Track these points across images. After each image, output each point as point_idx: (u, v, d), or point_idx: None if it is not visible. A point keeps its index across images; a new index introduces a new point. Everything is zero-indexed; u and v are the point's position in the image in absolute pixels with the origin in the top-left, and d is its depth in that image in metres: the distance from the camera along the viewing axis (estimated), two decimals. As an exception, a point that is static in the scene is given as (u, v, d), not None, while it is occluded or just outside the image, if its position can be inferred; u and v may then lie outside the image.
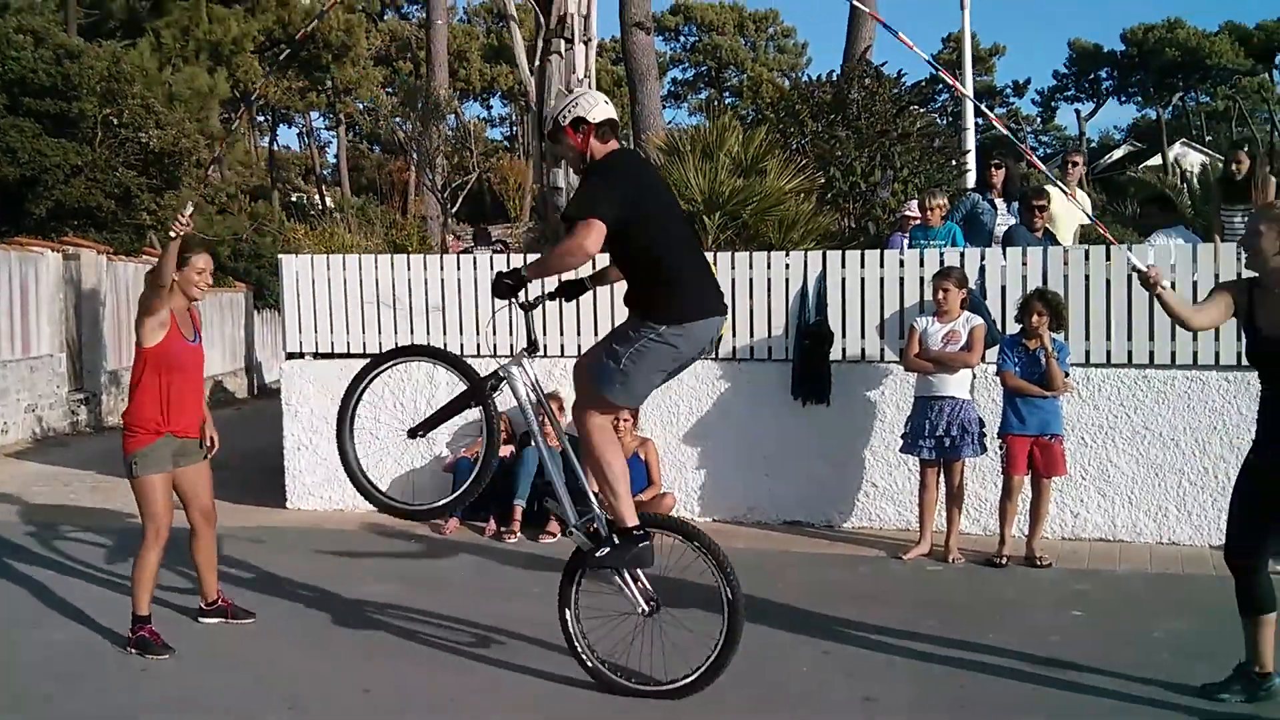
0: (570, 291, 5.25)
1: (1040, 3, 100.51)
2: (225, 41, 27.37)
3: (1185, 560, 7.03)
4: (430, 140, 15.84)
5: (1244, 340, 4.63)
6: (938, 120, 18.96)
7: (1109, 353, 7.54)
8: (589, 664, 4.93)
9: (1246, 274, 4.88)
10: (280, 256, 9.48)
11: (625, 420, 8.01)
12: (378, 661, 5.36)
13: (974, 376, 7.20)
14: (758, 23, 55.57)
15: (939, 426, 6.93)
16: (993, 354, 7.25)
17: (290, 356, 9.18)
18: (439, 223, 18.63)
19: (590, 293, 5.80)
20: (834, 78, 10.64)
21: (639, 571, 4.88)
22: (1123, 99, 59.66)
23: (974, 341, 6.95)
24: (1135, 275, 4.64)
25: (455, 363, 5.32)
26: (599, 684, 4.89)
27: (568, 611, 4.96)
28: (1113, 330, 7.53)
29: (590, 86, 10.47)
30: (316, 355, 9.11)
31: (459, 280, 8.86)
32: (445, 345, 8.74)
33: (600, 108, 4.73)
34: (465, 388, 5.04)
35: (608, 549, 4.77)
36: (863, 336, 7.98)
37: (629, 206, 4.51)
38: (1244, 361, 6.87)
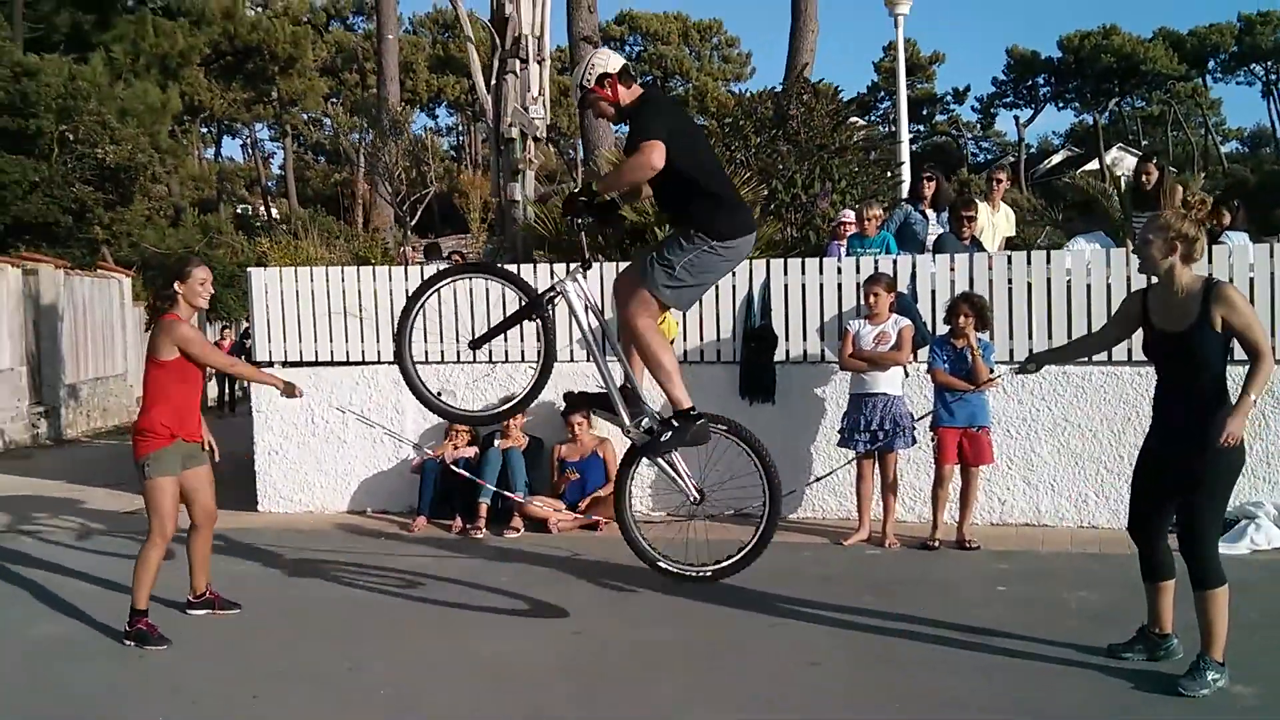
0: (608, 211, 5.67)
1: (979, 11, 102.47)
2: (173, 54, 27.46)
3: (1103, 542, 7.60)
4: (390, 154, 16.22)
5: (1143, 337, 5.17)
6: (880, 128, 19.62)
7: (1031, 350, 8.08)
8: (646, 552, 5.59)
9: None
10: (249, 270, 9.84)
11: (581, 424, 8.49)
12: (361, 643, 5.78)
13: (906, 375, 7.78)
14: (702, 33, 56.23)
15: (873, 421, 7.49)
16: (924, 353, 7.82)
17: (261, 365, 9.53)
18: (393, 234, 18.94)
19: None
20: (775, 93, 11.19)
21: (684, 464, 5.59)
22: (1060, 105, 60.88)
23: (902, 341, 7.51)
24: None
25: (512, 279, 5.81)
26: (655, 570, 5.55)
27: (626, 501, 5.61)
28: (1034, 330, 8.12)
29: (544, 103, 10.94)
30: (286, 364, 9.48)
31: (422, 291, 9.26)
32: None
33: (614, 58, 5.34)
34: (524, 302, 5.54)
35: (669, 432, 5.35)
36: (804, 338, 8.51)
37: (677, 133, 5.10)
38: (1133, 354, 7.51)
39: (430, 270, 9.66)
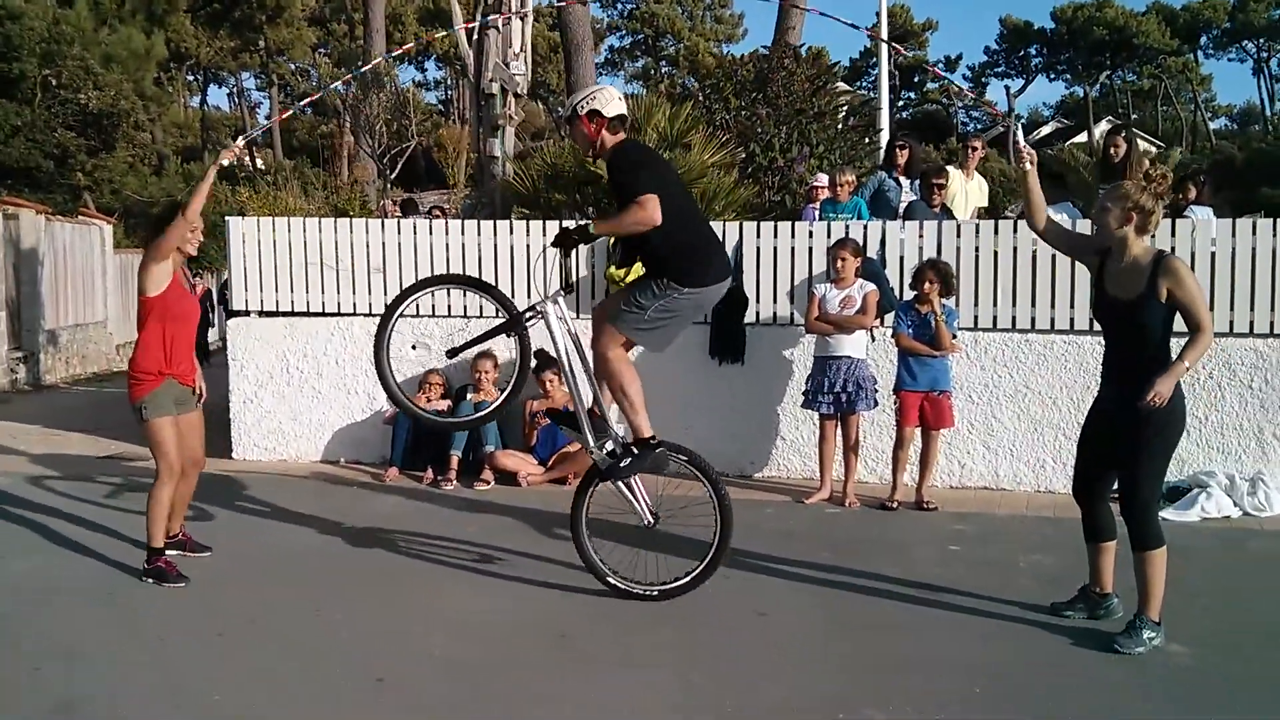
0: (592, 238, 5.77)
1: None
2: (159, 1, 27.25)
3: (1058, 506, 7.73)
4: (370, 107, 16.25)
5: (1093, 296, 5.28)
6: (869, 94, 19.67)
7: (995, 318, 8.27)
8: (596, 566, 5.65)
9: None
10: (228, 219, 9.89)
11: (553, 380, 8.60)
12: (328, 588, 5.92)
13: (873, 339, 7.93)
14: (695, -8, 55.88)
15: (836, 383, 7.64)
16: (891, 318, 7.95)
17: (236, 314, 9.61)
18: (375, 188, 18.94)
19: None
20: (756, 57, 11.25)
21: (643, 489, 5.68)
22: (1052, 76, 61.01)
23: (867, 305, 7.65)
24: (1016, 148, 5.34)
25: (493, 292, 5.90)
26: (603, 585, 5.60)
27: (581, 523, 5.65)
28: (999, 298, 8.26)
29: (526, 60, 10.97)
30: (261, 313, 9.55)
31: (399, 244, 9.36)
32: (385, 305, 9.25)
33: (614, 104, 5.41)
34: (505, 318, 5.65)
35: (629, 459, 5.49)
36: (775, 301, 8.63)
37: (659, 184, 5.18)
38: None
39: (407, 223, 9.75)
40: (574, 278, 5.73)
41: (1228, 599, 5.73)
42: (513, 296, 8.89)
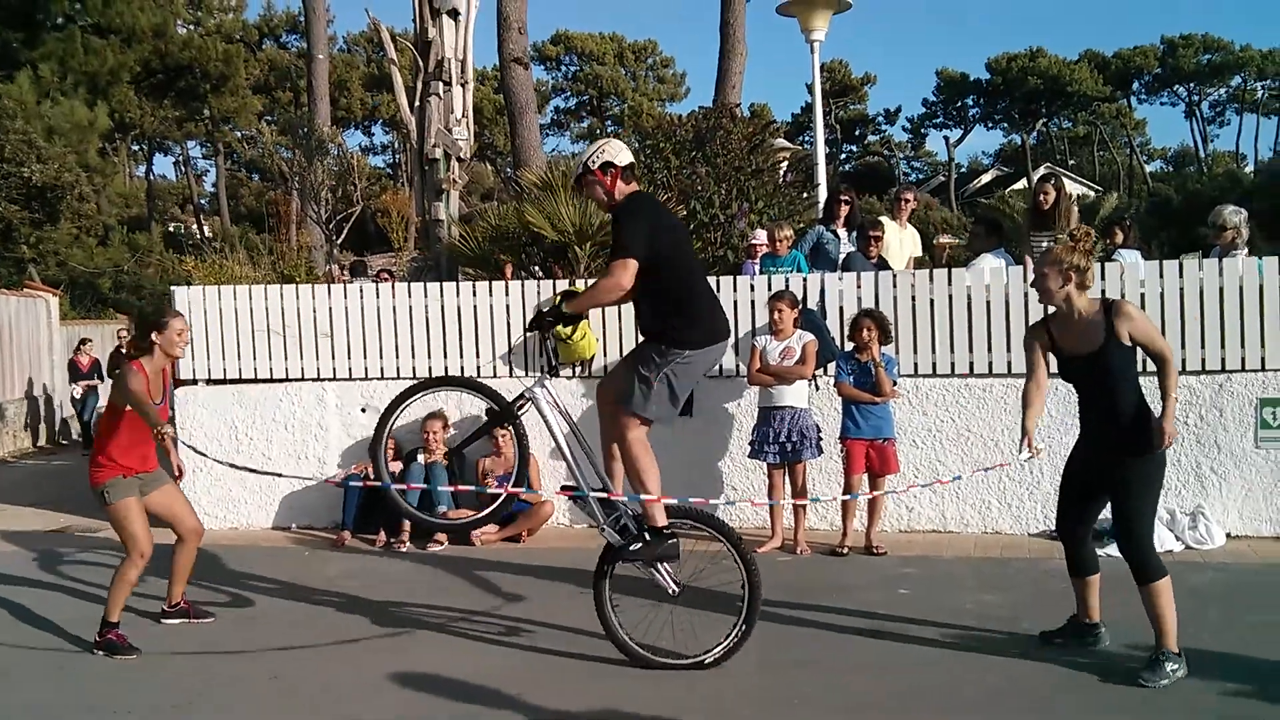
0: (572, 320, 5.89)
1: (909, 33, 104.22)
2: (102, 72, 27.19)
3: (1004, 546, 7.92)
4: (315, 174, 16.31)
5: (1056, 363, 5.43)
6: (809, 148, 20.00)
7: (934, 364, 8.45)
8: (623, 642, 5.52)
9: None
10: (173, 289, 9.90)
11: (505, 436, 8.63)
12: (284, 653, 5.93)
13: (816, 388, 8.07)
14: (637, 53, 56.58)
15: (781, 433, 7.76)
16: (834, 367, 8.10)
17: (182, 384, 9.59)
18: (323, 252, 18.94)
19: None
20: (695, 117, 11.46)
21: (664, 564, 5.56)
22: (989, 125, 62.21)
23: (806, 356, 7.80)
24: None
25: (484, 390, 5.90)
26: (632, 660, 5.49)
27: (604, 599, 5.54)
28: (937, 344, 8.44)
29: (468, 125, 11.12)
30: (209, 382, 9.55)
31: (345, 308, 9.40)
32: (334, 371, 9.31)
33: (624, 153, 5.44)
34: (495, 410, 5.65)
35: (640, 544, 5.41)
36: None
37: (656, 245, 5.21)
38: (1053, 369, 7.80)
39: (354, 287, 9.82)
40: (557, 360, 5.72)
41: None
42: (460, 356, 9.10)
